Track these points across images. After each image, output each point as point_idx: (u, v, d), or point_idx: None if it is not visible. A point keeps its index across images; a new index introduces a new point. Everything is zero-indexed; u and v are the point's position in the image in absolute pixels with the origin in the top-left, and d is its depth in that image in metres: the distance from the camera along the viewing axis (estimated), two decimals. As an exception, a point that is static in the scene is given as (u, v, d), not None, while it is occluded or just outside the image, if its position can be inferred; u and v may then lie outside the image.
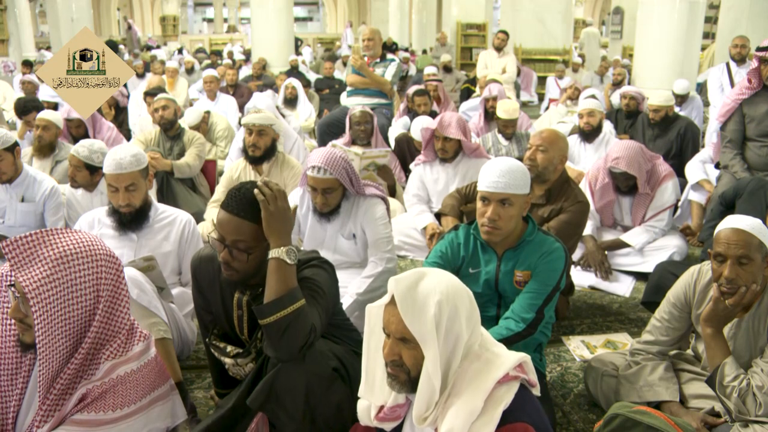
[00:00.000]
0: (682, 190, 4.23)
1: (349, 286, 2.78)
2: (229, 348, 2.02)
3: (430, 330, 1.39)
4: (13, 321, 1.68)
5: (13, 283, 1.60)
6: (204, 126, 5.40)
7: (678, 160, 4.60)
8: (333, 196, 2.78)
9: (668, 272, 2.86)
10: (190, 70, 9.93)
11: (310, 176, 2.75)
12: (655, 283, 2.92)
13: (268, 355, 1.80)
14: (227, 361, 2.03)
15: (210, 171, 4.73)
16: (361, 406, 1.63)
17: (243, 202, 1.81)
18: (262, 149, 3.73)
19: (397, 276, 1.46)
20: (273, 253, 1.77)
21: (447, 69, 10.68)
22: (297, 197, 3.01)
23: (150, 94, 5.88)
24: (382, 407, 1.57)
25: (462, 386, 1.42)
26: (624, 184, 3.63)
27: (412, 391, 1.47)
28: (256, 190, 1.81)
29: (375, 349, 1.56)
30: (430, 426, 1.45)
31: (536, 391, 1.51)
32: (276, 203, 1.80)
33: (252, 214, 1.80)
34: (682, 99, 6.23)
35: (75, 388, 1.65)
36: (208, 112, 5.60)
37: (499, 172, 2.17)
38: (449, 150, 3.95)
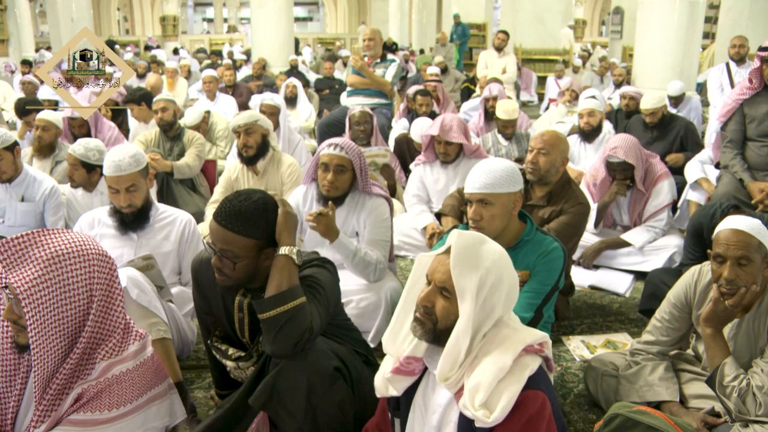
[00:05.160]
0: (681, 189, 4.23)
1: (349, 282, 2.75)
2: (230, 350, 2.02)
3: (471, 289, 1.44)
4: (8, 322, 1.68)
5: (6, 284, 1.59)
6: (204, 126, 5.39)
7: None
8: (342, 179, 2.77)
9: (661, 282, 2.84)
10: (188, 76, 9.42)
11: (325, 153, 2.75)
12: (650, 293, 2.92)
13: (265, 351, 1.81)
14: (229, 363, 2.03)
15: (210, 171, 4.73)
16: (377, 377, 1.65)
17: (231, 214, 1.81)
18: (254, 147, 3.75)
19: (461, 231, 1.51)
20: (283, 251, 1.82)
21: (442, 70, 10.58)
22: (299, 195, 3.01)
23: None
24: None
25: (490, 348, 1.46)
26: (621, 175, 3.62)
27: (432, 341, 1.51)
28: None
29: (414, 299, 1.57)
30: (452, 387, 1.47)
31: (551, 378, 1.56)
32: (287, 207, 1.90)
33: (238, 226, 1.80)
34: (676, 100, 6.17)
35: (71, 388, 1.65)
36: (208, 112, 5.59)
37: (476, 174, 2.20)
38: (451, 153, 3.96)
